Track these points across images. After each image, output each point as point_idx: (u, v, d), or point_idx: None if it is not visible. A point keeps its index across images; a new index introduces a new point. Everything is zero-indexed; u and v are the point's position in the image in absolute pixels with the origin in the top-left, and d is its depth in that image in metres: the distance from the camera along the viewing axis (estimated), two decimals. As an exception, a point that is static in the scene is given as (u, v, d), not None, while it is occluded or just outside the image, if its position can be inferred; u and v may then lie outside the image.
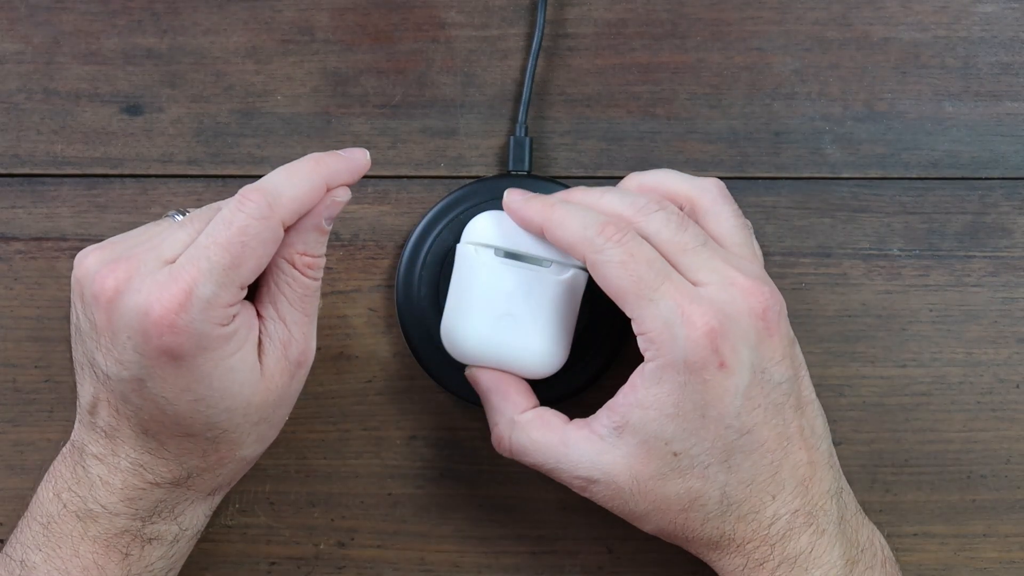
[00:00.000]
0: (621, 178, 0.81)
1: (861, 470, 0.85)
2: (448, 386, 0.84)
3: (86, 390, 0.75)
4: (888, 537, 0.79)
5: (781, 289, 0.76)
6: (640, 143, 0.86)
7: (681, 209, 0.78)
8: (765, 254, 0.81)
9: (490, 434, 0.80)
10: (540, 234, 0.77)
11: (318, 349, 0.78)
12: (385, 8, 0.86)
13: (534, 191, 0.80)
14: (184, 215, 0.76)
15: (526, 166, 0.85)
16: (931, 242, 0.86)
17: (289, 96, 0.86)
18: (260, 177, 0.73)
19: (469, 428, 0.86)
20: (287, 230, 0.73)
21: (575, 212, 0.75)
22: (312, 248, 0.74)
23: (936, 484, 0.85)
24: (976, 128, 0.86)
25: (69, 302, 0.77)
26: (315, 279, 0.75)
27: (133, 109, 0.86)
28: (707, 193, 0.79)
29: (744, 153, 0.86)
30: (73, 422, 0.77)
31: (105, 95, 0.86)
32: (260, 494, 0.86)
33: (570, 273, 0.79)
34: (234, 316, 0.72)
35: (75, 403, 0.77)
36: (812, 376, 0.77)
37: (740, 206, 0.79)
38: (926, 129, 0.86)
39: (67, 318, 0.84)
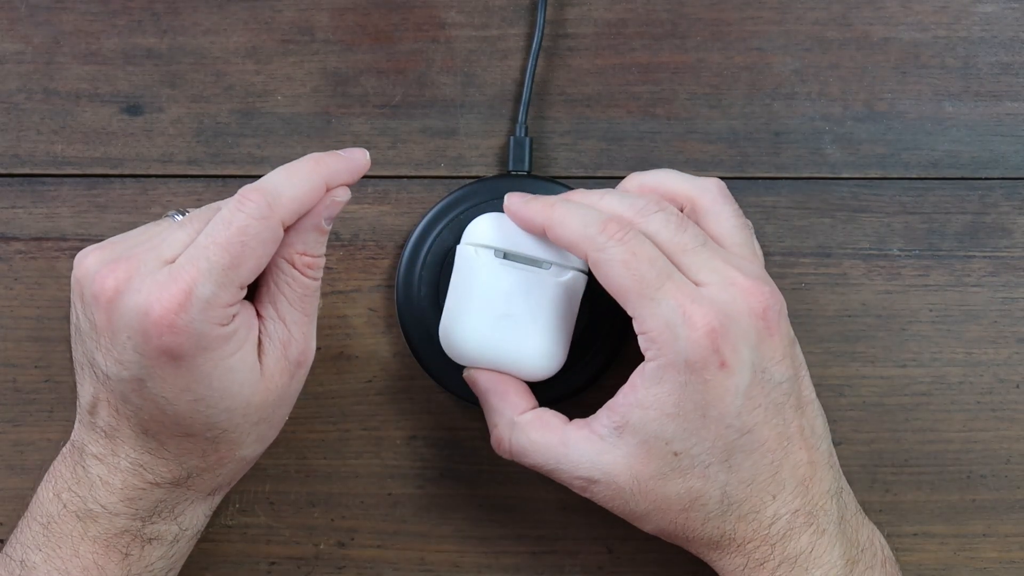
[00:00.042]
0: (621, 178, 0.81)
1: (861, 470, 0.85)
2: (448, 386, 0.84)
3: (86, 390, 0.75)
4: (888, 537, 0.79)
5: (781, 289, 0.76)
6: (640, 143, 0.86)
7: (682, 209, 0.78)
8: (765, 254, 0.80)
9: (490, 435, 0.80)
10: (542, 234, 0.77)
11: (318, 349, 0.78)
12: (385, 8, 0.86)
13: (534, 191, 0.80)
14: (184, 215, 0.76)
15: (526, 166, 0.85)
16: (931, 242, 0.86)
17: (289, 96, 0.86)
18: (260, 177, 0.73)
19: (469, 428, 0.86)
20: (287, 230, 0.73)
21: (576, 210, 0.75)
22: (312, 248, 0.74)
23: (936, 484, 0.85)
24: (976, 128, 0.86)
25: (69, 302, 0.77)
26: (315, 279, 0.75)
27: (133, 109, 0.86)
28: (707, 193, 0.79)
29: (744, 153, 0.86)
30: (73, 422, 0.77)
31: (105, 95, 0.86)
32: (260, 494, 0.86)
33: (569, 275, 0.79)
34: (234, 316, 0.72)
35: (75, 403, 0.77)
36: (812, 376, 0.77)
37: (740, 206, 0.79)
38: (926, 129, 0.86)
39: (67, 318, 0.84)
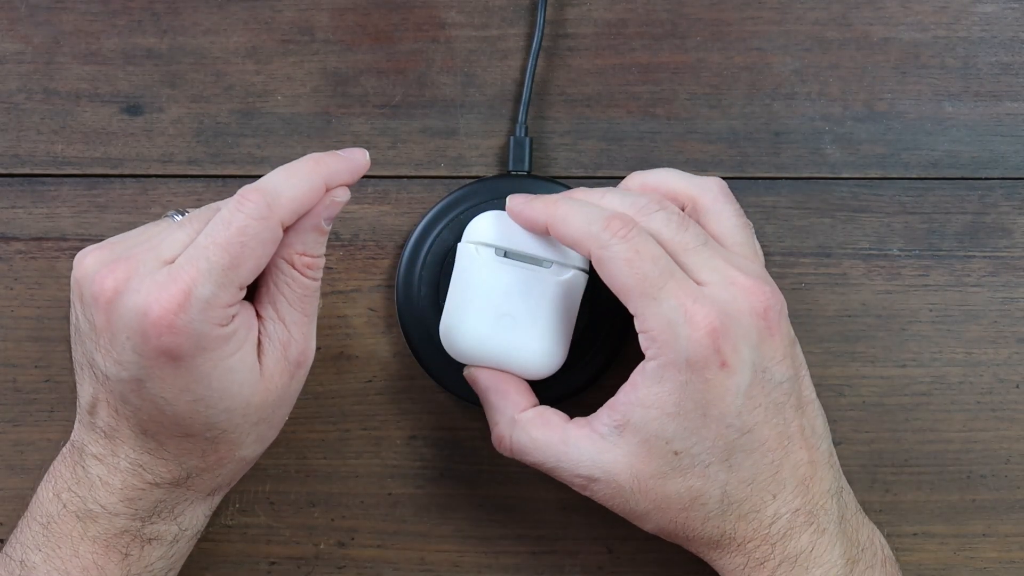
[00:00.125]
0: (621, 178, 0.81)
1: (861, 470, 0.85)
2: (448, 386, 0.84)
3: (85, 390, 0.75)
4: (888, 537, 0.79)
5: (781, 289, 0.76)
6: (640, 143, 0.86)
7: (682, 208, 0.78)
8: (765, 254, 0.80)
9: (490, 434, 0.80)
10: (545, 233, 0.77)
11: (318, 349, 0.78)
12: (385, 8, 0.86)
13: (534, 191, 0.80)
14: (183, 215, 0.76)
15: (526, 166, 0.85)
16: (931, 242, 0.86)
17: (289, 96, 0.86)
18: (260, 177, 0.73)
19: (469, 428, 0.86)
20: (286, 230, 0.73)
21: (580, 208, 0.75)
22: (311, 248, 0.74)
23: (936, 484, 0.85)
24: (976, 128, 0.86)
25: (69, 302, 0.77)
26: (314, 279, 0.74)
27: (133, 109, 0.86)
28: (708, 192, 0.79)
29: (744, 153, 0.86)
30: (73, 422, 0.77)
31: (105, 95, 0.86)
32: (260, 494, 0.86)
33: (570, 274, 0.79)
34: (233, 316, 0.72)
35: (75, 403, 0.77)
36: (812, 376, 0.77)
37: (740, 206, 0.79)
38: (926, 129, 0.86)
39: (67, 318, 0.84)
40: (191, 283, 0.70)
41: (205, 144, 0.86)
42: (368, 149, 0.76)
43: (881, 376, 0.85)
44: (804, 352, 0.77)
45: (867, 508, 0.80)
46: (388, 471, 0.86)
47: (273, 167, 0.74)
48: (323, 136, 0.86)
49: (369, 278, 0.86)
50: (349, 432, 0.86)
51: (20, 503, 0.79)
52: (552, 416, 0.78)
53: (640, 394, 0.74)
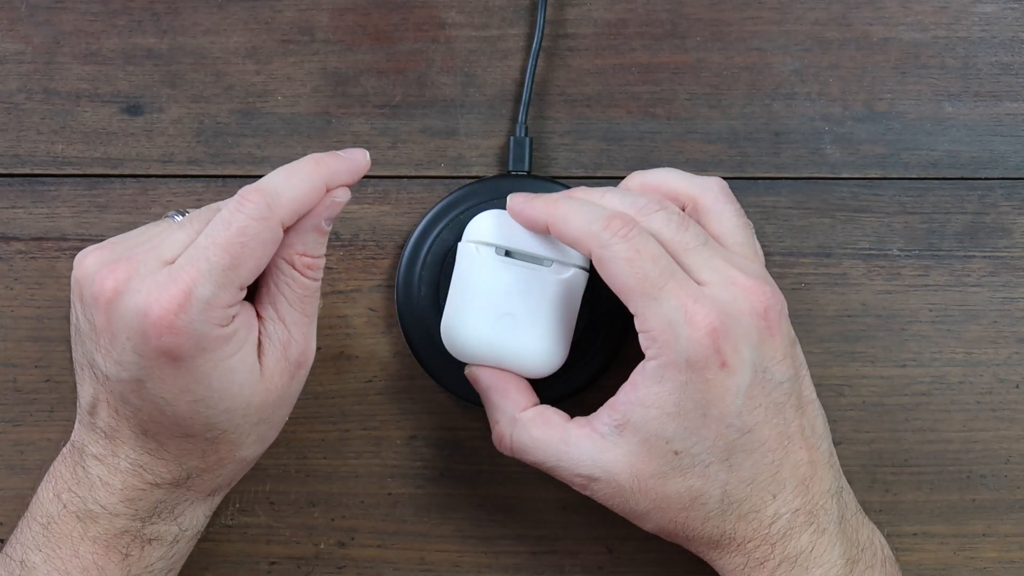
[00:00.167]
0: (621, 178, 0.81)
1: (861, 470, 0.85)
2: (448, 386, 0.84)
3: (86, 391, 0.75)
4: (888, 537, 0.79)
5: (781, 289, 0.76)
6: (640, 143, 0.86)
7: (683, 208, 0.78)
8: (765, 254, 0.80)
9: (490, 434, 0.80)
10: (546, 232, 0.77)
11: (318, 349, 0.78)
12: (385, 8, 0.86)
13: (534, 191, 0.80)
14: (184, 215, 0.76)
15: (526, 166, 0.85)
16: (931, 242, 0.86)
17: (289, 96, 0.86)
18: (260, 177, 0.73)
19: (469, 428, 0.86)
20: (287, 231, 0.73)
21: (581, 207, 0.75)
22: (312, 249, 0.74)
23: (936, 484, 0.85)
24: (976, 128, 0.86)
25: (69, 302, 0.77)
26: (315, 280, 0.74)
27: (133, 109, 0.86)
28: (709, 192, 0.79)
29: (744, 153, 0.86)
30: (73, 422, 0.77)
31: (105, 95, 0.86)
32: (260, 494, 0.86)
33: (570, 272, 0.79)
34: (233, 317, 0.72)
35: (75, 403, 0.77)
36: (812, 376, 0.77)
37: (740, 206, 0.79)
38: (926, 129, 0.86)
39: (67, 318, 0.84)
40: (191, 283, 0.70)
41: (205, 144, 0.86)
42: (368, 149, 0.76)
43: (881, 376, 0.85)
44: (804, 352, 0.77)
45: (867, 508, 0.80)
46: (388, 471, 0.86)
47: (273, 167, 0.74)
48: (323, 136, 0.86)
49: (369, 278, 0.86)
50: (349, 432, 0.86)
51: (20, 503, 0.79)
52: (553, 415, 0.78)
53: (640, 394, 0.74)
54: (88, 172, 0.86)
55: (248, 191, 0.72)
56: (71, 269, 0.75)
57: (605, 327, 0.83)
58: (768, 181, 0.86)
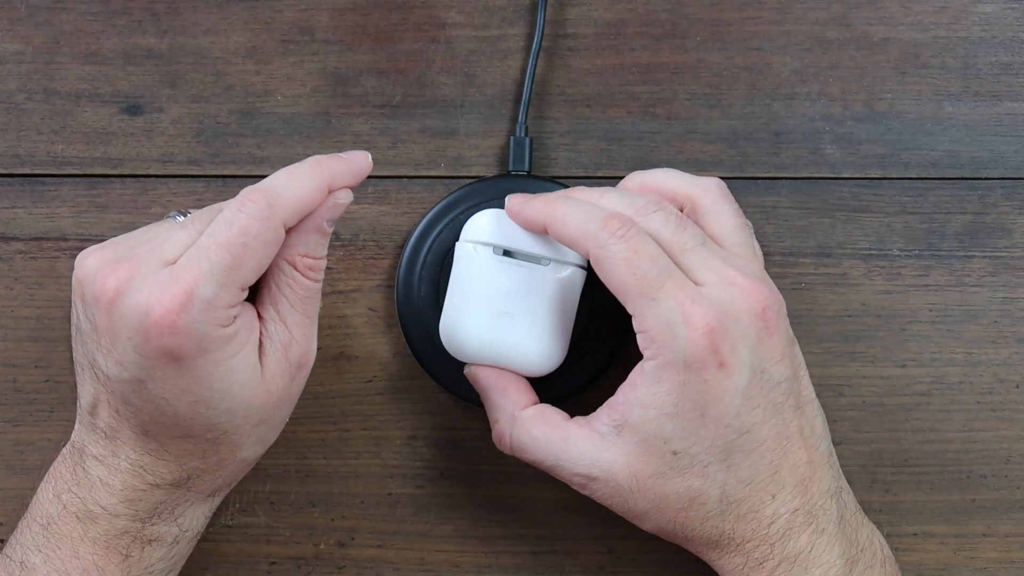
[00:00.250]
0: (621, 178, 0.81)
1: (861, 470, 0.85)
2: (448, 386, 0.84)
3: (86, 391, 0.75)
4: (888, 537, 0.79)
5: (781, 289, 0.76)
6: (640, 143, 0.86)
7: (681, 209, 0.78)
8: (765, 254, 0.81)
9: (490, 433, 0.80)
10: (543, 233, 0.77)
11: (318, 349, 0.78)
12: (385, 8, 0.86)
13: (534, 191, 0.80)
14: (185, 216, 0.76)
15: (526, 166, 0.85)
16: (931, 242, 0.86)
17: (289, 96, 0.86)
18: (260, 177, 0.73)
19: (469, 428, 0.86)
20: (289, 232, 0.73)
21: (578, 207, 0.75)
22: (313, 250, 0.74)
23: (936, 484, 0.85)
24: (976, 128, 0.86)
25: (69, 302, 0.77)
26: (316, 281, 0.75)
27: (133, 109, 0.86)
28: (708, 193, 0.79)
29: (744, 153, 0.86)
30: (73, 422, 0.77)
31: (105, 95, 0.86)
32: (260, 494, 0.86)
33: (568, 271, 0.79)
34: (235, 317, 0.72)
35: (75, 403, 0.77)
36: (812, 376, 0.77)
37: (740, 206, 0.79)
38: (926, 129, 0.86)
39: (67, 318, 0.84)
40: (193, 283, 0.70)
41: (205, 144, 0.86)
42: (368, 149, 0.76)
43: (881, 376, 0.85)
44: (804, 352, 0.77)
45: (867, 508, 0.80)
46: (388, 471, 0.86)
47: (273, 167, 0.74)
48: (323, 136, 0.86)
49: (369, 278, 0.86)
50: (349, 432, 0.86)
51: (20, 503, 0.79)
52: (552, 414, 0.78)
53: (639, 394, 0.74)
54: (88, 172, 0.86)
55: (250, 191, 0.72)
56: (71, 269, 0.75)
57: (605, 327, 0.83)
58: (768, 181, 0.86)
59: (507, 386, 0.80)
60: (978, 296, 0.85)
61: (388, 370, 0.86)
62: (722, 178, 0.80)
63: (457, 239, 0.81)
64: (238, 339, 0.72)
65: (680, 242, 0.75)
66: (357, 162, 0.75)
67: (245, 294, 0.72)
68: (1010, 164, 0.86)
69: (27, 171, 0.86)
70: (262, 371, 0.74)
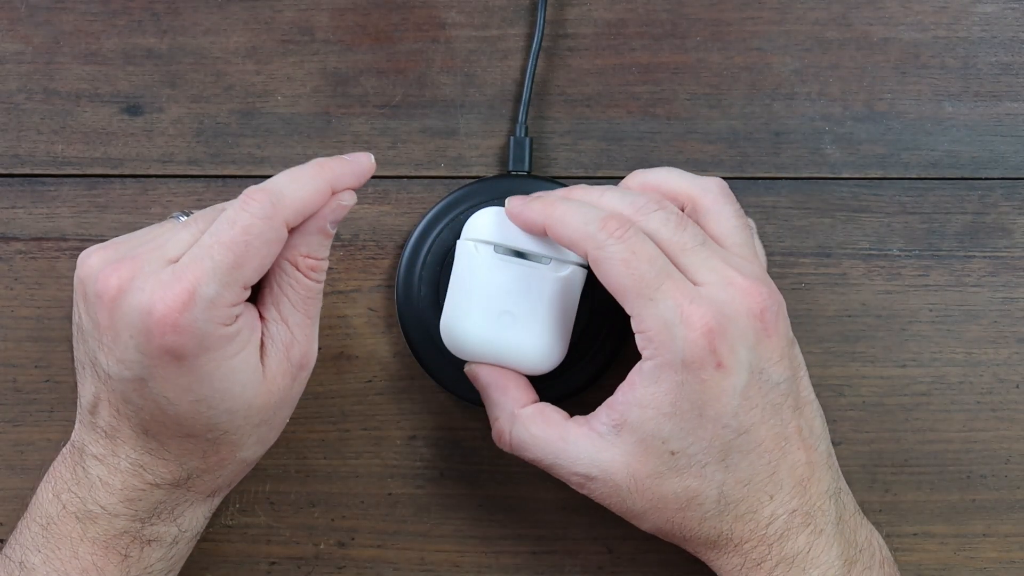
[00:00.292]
0: (621, 178, 0.81)
1: (861, 470, 0.85)
2: (448, 386, 0.84)
3: (87, 390, 0.75)
4: (888, 537, 0.79)
5: (781, 289, 0.76)
6: (640, 143, 0.86)
7: (682, 208, 0.78)
8: (765, 254, 0.80)
9: (490, 433, 0.80)
10: (543, 234, 0.77)
11: (318, 349, 0.78)
12: (385, 8, 0.86)
13: (534, 191, 0.80)
14: (188, 215, 0.76)
15: (526, 166, 0.85)
16: (931, 242, 0.86)
17: (289, 96, 0.86)
18: (260, 178, 0.73)
19: (469, 428, 0.86)
20: (291, 232, 0.73)
21: (576, 208, 0.75)
22: (315, 250, 0.74)
23: (936, 484, 0.86)
24: (976, 128, 0.86)
25: (69, 302, 0.77)
26: (318, 281, 0.75)
27: (133, 109, 0.86)
28: (709, 193, 0.79)
29: (744, 153, 0.86)
30: (73, 422, 0.77)
31: (105, 95, 0.86)
32: (260, 494, 0.86)
33: (568, 270, 0.79)
34: (237, 316, 0.72)
35: (75, 403, 0.77)
36: (812, 376, 0.77)
37: (740, 206, 0.79)
38: (926, 129, 0.86)
39: (68, 318, 0.84)
40: (195, 282, 0.70)
41: (205, 144, 0.86)
42: (368, 149, 0.76)
43: (881, 376, 0.86)
44: (804, 352, 0.77)
45: (867, 508, 0.80)
46: (388, 471, 0.86)
47: (273, 167, 0.74)
48: (323, 136, 0.86)
49: (369, 278, 0.86)
50: (349, 432, 0.86)
51: (20, 503, 0.79)
52: (552, 413, 0.78)
53: (637, 394, 0.74)
54: (88, 172, 0.86)
55: (253, 191, 0.72)
56: (71, 269, 0.75)
57: (605, 327, 0.83)
58: (768, 181, 0.86)
59: (507, 384, 0.80)
60: (978, 296, 0.86)
61: (388, 370, 0.86)
62: (722, 178, 0.80)
63: (457, 239, 0.81)
64: (240, 338, 0.72)
65: (680, 242, 0.75)
66: (360, 164, 0.75)
67: (247, 293, 0.72)
68: (1010, 164, 0.86)
69: (27, 171, 0.86)
70: (263, 371, 0.74)
